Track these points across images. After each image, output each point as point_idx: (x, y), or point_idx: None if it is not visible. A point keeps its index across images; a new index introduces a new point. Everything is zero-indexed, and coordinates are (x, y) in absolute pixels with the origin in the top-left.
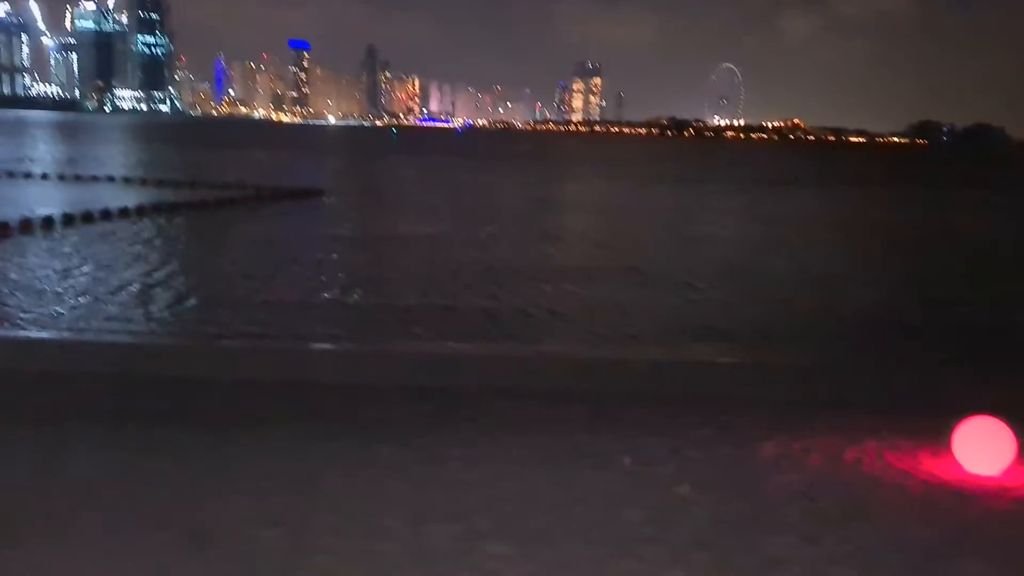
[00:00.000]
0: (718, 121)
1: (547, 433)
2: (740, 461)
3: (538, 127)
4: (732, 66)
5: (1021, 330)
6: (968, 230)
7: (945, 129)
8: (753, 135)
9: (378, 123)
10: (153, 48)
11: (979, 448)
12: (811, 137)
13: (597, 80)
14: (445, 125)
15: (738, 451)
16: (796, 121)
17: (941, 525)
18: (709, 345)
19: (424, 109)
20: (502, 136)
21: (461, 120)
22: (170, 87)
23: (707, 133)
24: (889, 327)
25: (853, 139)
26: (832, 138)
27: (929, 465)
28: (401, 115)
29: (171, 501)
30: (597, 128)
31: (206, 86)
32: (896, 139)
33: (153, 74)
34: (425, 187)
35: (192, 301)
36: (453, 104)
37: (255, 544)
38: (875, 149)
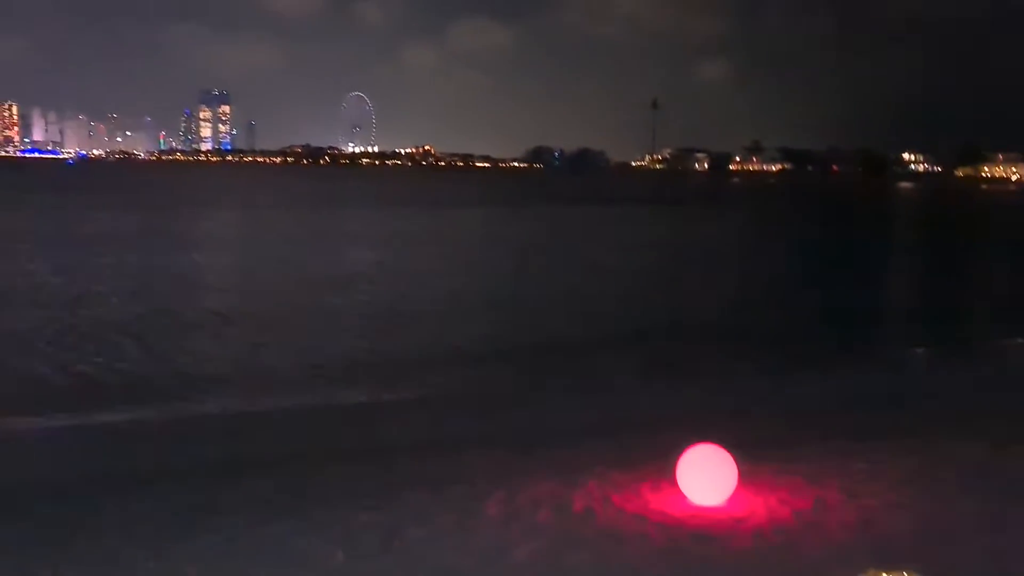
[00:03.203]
0: (353, 148)
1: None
2: (471, 532)
3: (164, 157)
4: (362, 94)
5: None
6: (591, 243)
7: (556, 154)
8: (388, 161)
9: None
10: None
11: (702, 478)
12: (442, 163)
13: (226, 108)
14: (54, 156)
15: (464, 520)
16: (428, 147)
17: (693, 572)
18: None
19: (27, 139)
20: (121, 168)
21: (72, 151)
22: None
23: (343, 161)
24: (553, 347)
25: (479, 164)
26: (461, 163)
27: (657, 502)
28: None
29: None
30: (230, 158)
31: None
32: (516, 163)
33: None
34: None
35: None
36: (61, 133)
37: None
38: (499, 173)
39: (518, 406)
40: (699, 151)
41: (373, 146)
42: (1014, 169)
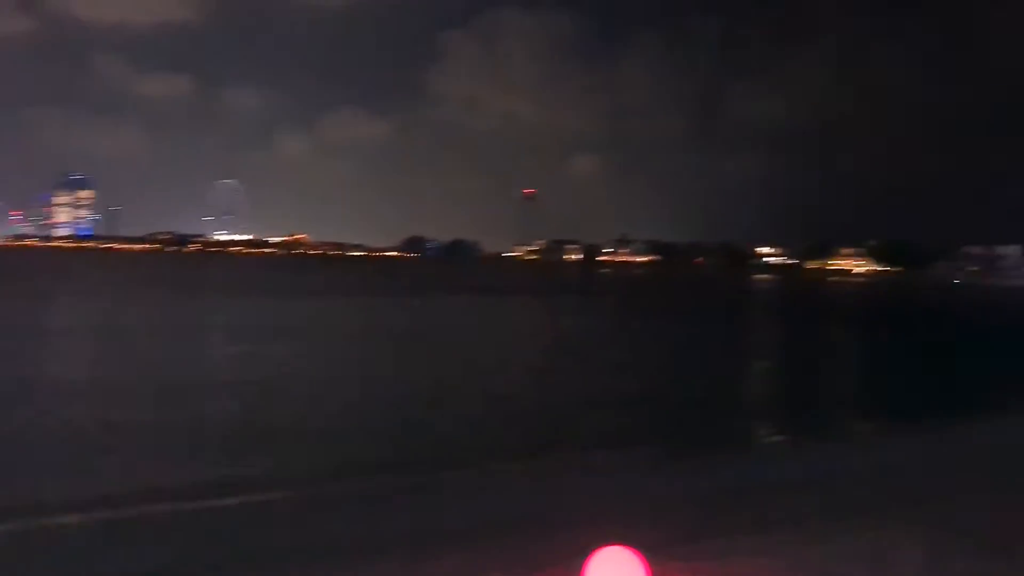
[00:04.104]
0: (223, 236)
1: None
2: None
3: (15, 243)
4: (233, 181)
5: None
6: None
7: (431, 244)
8: (259, 249)
9: None
10: None
11: None
12: (315, 251)
13: (87, 193)
14: None
15: None
16: (300, 236)
17: None
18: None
19: None
20: None
21: None
22: None
23: (212, 248)
24: (440, 444)
25: (354, 252)
26: (335, 252)
27: None
28: None
29: None
30: (89, 244)
31: None
32: (391, 253)
33: None
34: None
35: None
36: None
37: None
38: (373, 262)
39: (403, 507)
40: (570, 242)
41: (244, 234)
42: (857, 263)
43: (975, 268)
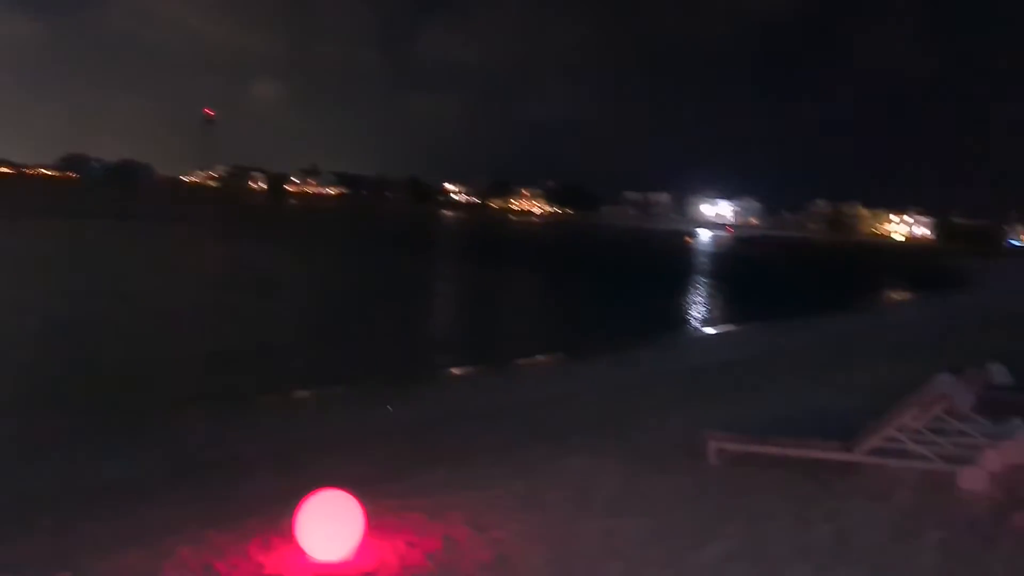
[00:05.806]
0: None
1: None
2: None
3: None
4: None
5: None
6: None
7: (95, 164)
8: None
9: None
10: None
11: (321, 530)
12: None
13: None
14: None
15: None
16: None
17: None
18: None
19: None
20: None
21: None
22: None
23: None
24: (102, 384)
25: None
26: None
27: (273, 565)
28: None
29: None
30: None
31: None
32: (46, 171)
33: None
34: None
35: None
36: None
37: None
38: (24, 180)
39: (67, 457)
40: (256, 170)
41: None
42: (535, 204)
43: (634, 212)
